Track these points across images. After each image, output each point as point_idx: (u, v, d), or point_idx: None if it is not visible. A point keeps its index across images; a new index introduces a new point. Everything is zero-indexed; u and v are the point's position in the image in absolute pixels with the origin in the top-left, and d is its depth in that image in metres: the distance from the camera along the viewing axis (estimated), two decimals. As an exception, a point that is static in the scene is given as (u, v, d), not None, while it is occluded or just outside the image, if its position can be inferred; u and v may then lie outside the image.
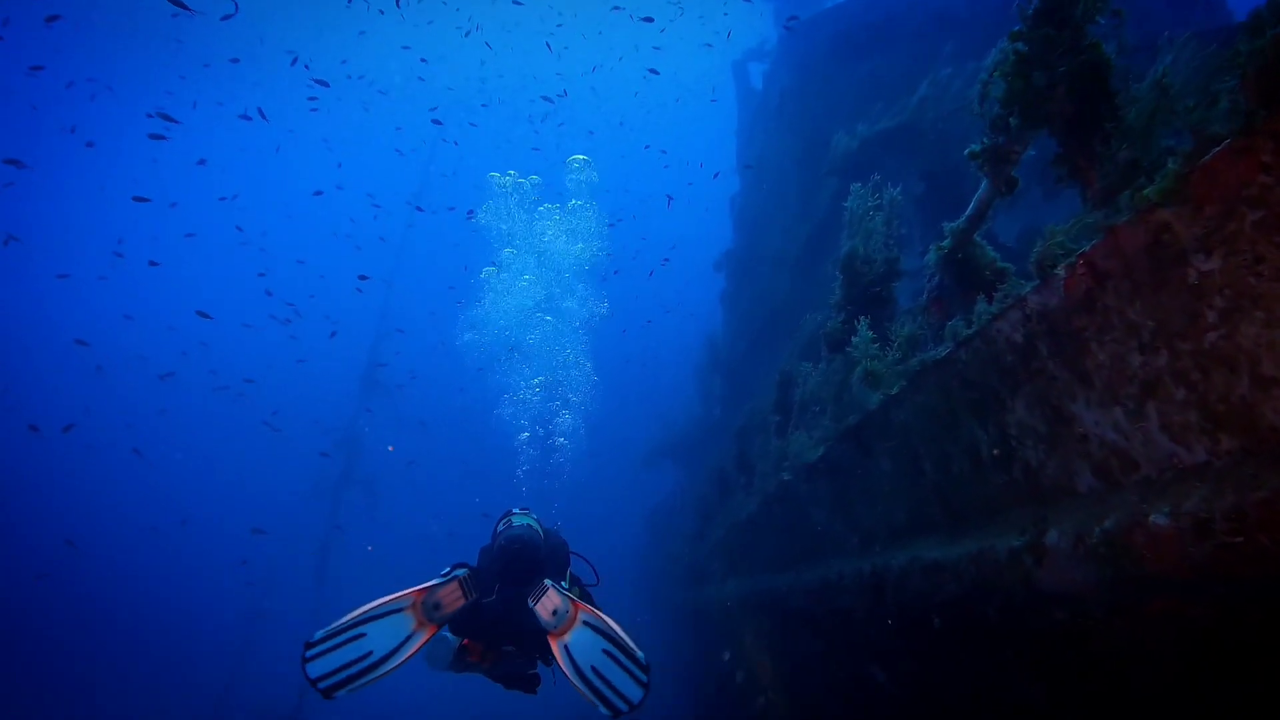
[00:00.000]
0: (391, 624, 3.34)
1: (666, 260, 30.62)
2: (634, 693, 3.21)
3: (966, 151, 3.25)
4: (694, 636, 13.13)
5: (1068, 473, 2.95)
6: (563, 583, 3.96)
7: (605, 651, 3.24)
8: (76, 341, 25.19)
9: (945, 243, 3.67)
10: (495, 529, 4.29)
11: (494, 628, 3.78)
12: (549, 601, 3.40)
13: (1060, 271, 2.61)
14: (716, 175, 27.75)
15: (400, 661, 3.29)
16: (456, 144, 29.29)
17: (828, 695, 6.49)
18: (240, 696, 19.57)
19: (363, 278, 24.03)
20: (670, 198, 27.74)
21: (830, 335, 5.10)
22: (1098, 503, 2.75)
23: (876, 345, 4.21)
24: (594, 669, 3.23)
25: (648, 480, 27.64)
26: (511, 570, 3.83)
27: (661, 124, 48.57)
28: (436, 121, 27.30)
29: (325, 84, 25.07)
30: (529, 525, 4.19)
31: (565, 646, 3.28)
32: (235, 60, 29.90)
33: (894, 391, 3.96)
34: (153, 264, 21.30)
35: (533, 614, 3.39)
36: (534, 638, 3.63)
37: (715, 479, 10.81)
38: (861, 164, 10.82)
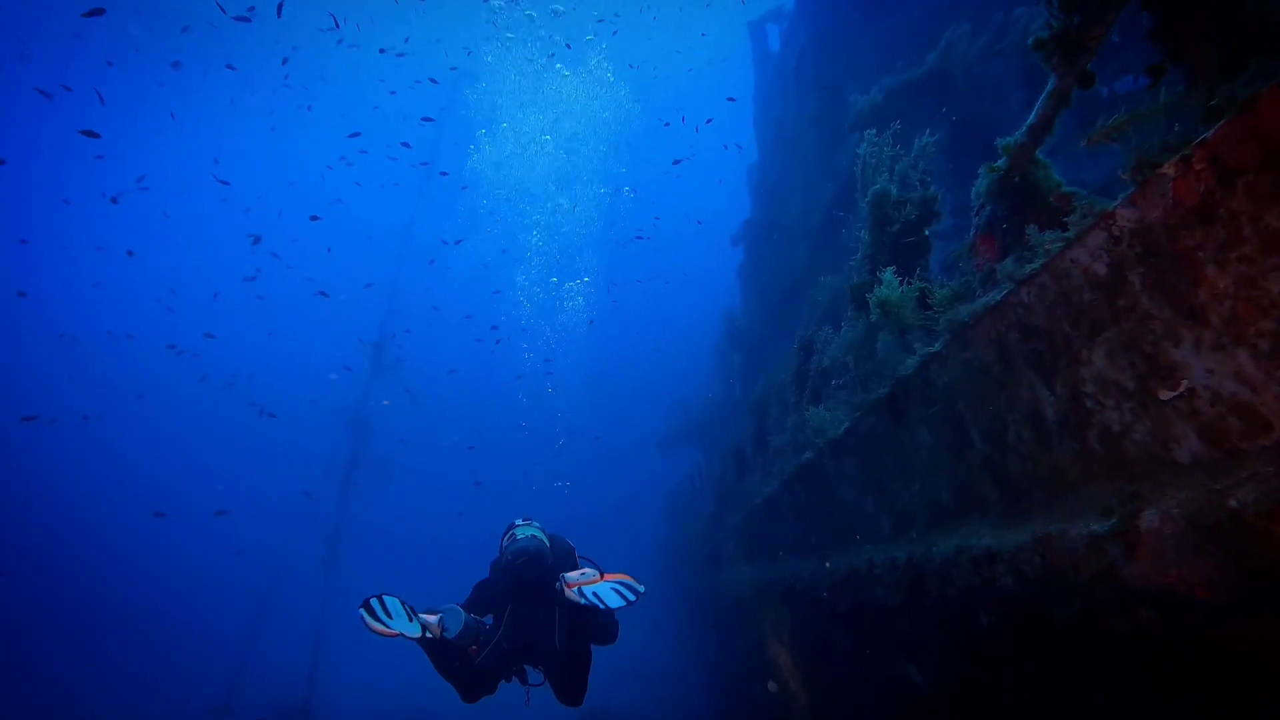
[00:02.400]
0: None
1: (700, 222, 29.82)
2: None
3: (1031, 40, 2.59)
4: (713, 622, 12.64)
5: (1163, 439, 2.32)
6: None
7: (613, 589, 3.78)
8: (18, 293, 24.67)
9: (999, 162, 3.02)
10: (501, 543, 4.33)
11: (512, 657, 3.95)
12: (581, 576, 3.82)
13: (1169, 170, 1.96)
14: (726, 147, 26.91)
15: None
16: (435, 82, 28.23)
17: (854, 693, 5.93)
18: (251, 684, 19.50)
19: (314, 219, 23.58)
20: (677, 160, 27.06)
21: (857, 290, 4.47)
22: (1209, 476, 2.13)
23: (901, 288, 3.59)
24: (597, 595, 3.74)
25: (668, 464, 27.23)
26: (522, 584, 3.91)
27: (670, 92, 47.35)
28: (383, 50, 26.52)
29: (335, 23, 24.32)
30: (533, 536, 4.19)
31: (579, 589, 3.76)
32: (251, 10, 28.72)
33: (936, 349, 3.33)
34: (113, 201, 20.61)
35: (561, 591, 3.80)
36: (543, 657, 3.92)
37: (732, 458, 10.23)
38: (887, 117, 10.08)
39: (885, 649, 4.95)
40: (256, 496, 36.04)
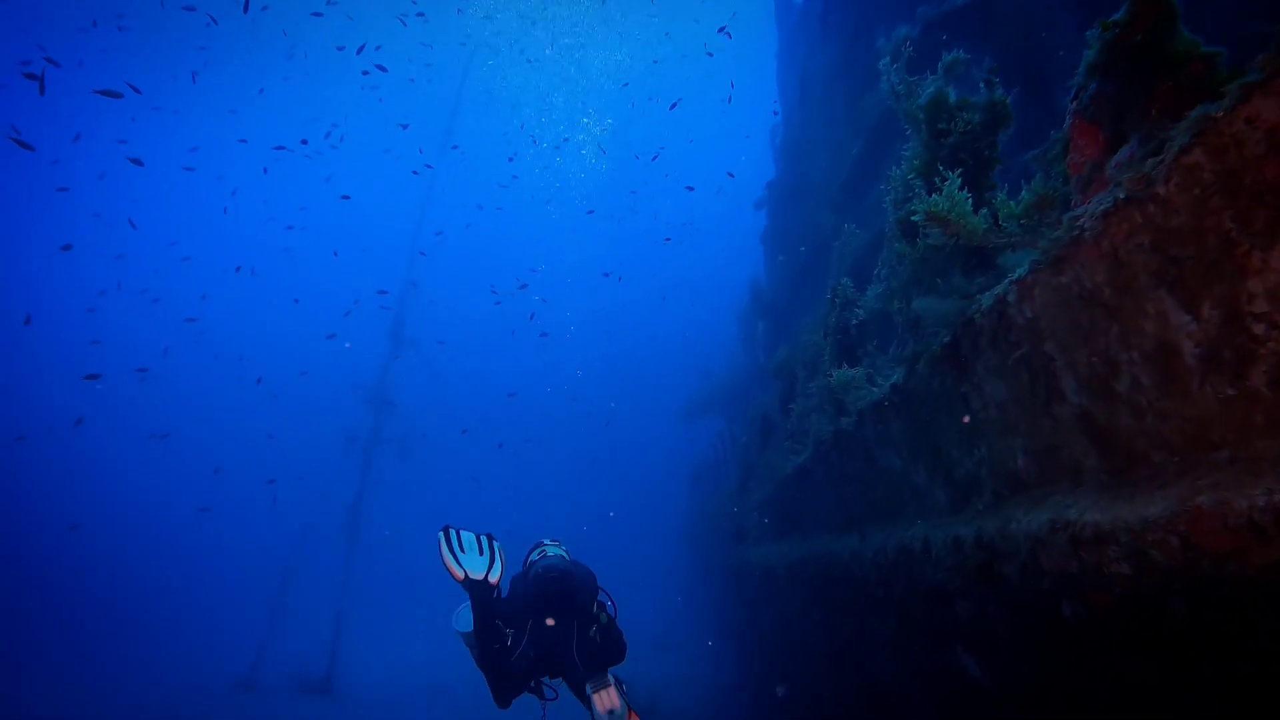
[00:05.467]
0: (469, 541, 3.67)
1: (731, 175, 29.08)
2: None
3: None
4: (739, 597, 12.14)
5: (1384, 373, 1.63)
6: (593, 610, 4.19)
7: None
8: (63, 247, 24.24)
9: (1117, 15, 2.28)
10: (527, 559, 4.42)
11: (536, 666, 4.02)
12: (608, 700, 3.78)
13: None
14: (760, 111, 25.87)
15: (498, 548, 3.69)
16: (399, 21, 27.88)
17: (894, 680, 5.32)
18: (274, 659, 19.50)
19: (304, 142, 23.22)
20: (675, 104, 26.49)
21: (903, 220, 3.75)
22: None
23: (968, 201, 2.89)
24: None
25: (695, 436, 26.79)
26: (547, 601, 3.97)
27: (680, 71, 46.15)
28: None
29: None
30: (562, 557, 4.30)
31: None
32: None
33: (1020, 274, 2.63)
34: (135, 161, 20.26)
35: (587, 698, 3.83)
36: (565, 670, 4.03)
37: (758, 425, 9.59)
38: (924, 54, 9.21)
39: (936, 637, 4.32)
40: (278, 469, 36.13)
